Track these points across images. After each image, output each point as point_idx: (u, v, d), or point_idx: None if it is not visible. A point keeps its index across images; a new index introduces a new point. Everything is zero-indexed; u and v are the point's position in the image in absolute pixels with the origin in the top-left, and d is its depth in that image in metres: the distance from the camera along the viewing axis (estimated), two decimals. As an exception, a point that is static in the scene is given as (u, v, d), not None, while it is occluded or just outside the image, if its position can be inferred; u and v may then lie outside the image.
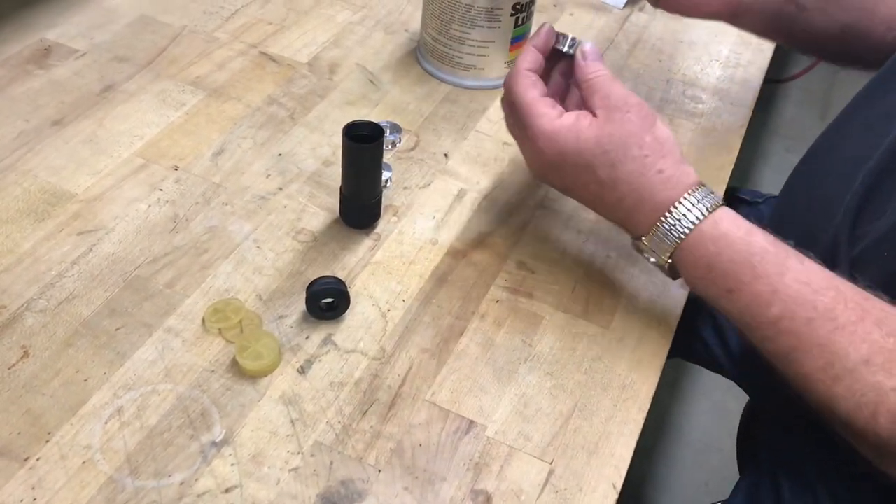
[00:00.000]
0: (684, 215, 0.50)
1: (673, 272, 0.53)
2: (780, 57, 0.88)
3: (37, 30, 0.74)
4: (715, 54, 0.84)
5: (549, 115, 0.53)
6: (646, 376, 0.54)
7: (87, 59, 0.72)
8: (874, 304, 0.48)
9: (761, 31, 0.76)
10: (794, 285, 0.48)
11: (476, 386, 0.52)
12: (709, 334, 0.89)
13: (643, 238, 0.52)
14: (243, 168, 0.64)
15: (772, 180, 2.12)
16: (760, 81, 0.82)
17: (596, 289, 0.59)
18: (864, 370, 0.45)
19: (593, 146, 0.52)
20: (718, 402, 1.55)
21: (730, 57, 0.84)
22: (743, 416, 0.93)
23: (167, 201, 0.61)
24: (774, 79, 1.61)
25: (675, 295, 0.59)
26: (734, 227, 0.50)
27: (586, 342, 0.55)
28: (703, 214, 0.50)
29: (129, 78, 0.71)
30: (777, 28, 0.75)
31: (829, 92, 2.50)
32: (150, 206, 0.60)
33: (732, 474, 0.80)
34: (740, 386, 0.89)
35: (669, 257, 0.51)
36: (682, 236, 0.50)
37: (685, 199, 0.51)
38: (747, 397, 0.88)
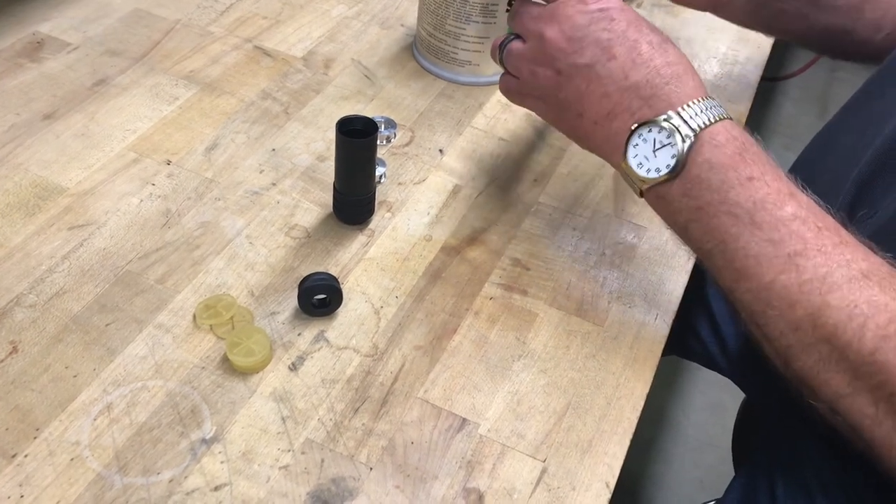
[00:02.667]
0: (721, 106, 0.50)
1: (685, 156, 0.48)
2: (779, 55, 0.88)
3: (30, 23, 0.74)
4: (713, 51, 0.84)
5: None
6: (640, 374, 0.53)
7: (79, 53, 0.72)
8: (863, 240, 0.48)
9: (746, 23, 0.75)
10: (808, 198, 0.48)
11: (469, 383, 0.51)
12: (705, 332, 0.88)
13: (677, 111, 0.49)
14: (236, 163, 0.64)
15: (769, 178, 2.12)
16: (758, 78, 0.81)
17: (590, 286, 0.59)
18: (863, 282, 0.44)
19: (639, 14, 0.52)
20: (715, 399, 1.55)
21: (727, 54, 0.84)
22: (739, 414, 0.92)
23: (159, 196, 0.60)
24: (772, 76, 1.61)
25: (672, 292, 0.59)
26: None
27: (580, 340, 0.55)
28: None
29: (121, 72, 0.70)
30: (759, 22, 0.75)
31: (828, 90, 2.50)
32: (142, 200, 0.60)
33: (728, 471, 0.80)
34: (737, 384, 0.88)
35: (701, 130, 0.48)
36: (721, 116, 0.49)
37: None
38: (743, 395, 0.88)
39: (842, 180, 0.68)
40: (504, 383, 0.52)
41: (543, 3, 0.55)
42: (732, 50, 0.84)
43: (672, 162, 0.49)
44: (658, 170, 0.49)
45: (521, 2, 0.56)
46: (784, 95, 2.43)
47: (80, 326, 0.51)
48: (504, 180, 0.66)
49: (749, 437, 0.87)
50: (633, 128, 0.50)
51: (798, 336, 0.45)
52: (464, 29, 0.71)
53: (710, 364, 0.89)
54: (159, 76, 0.70)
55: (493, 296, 0.57)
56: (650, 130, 0.49)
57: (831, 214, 0.48)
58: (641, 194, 0.52)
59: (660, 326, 0.56)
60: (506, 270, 0.59)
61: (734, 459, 0.89)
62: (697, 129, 0.48)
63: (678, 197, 0.50)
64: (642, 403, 0.52)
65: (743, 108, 0.78)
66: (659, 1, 0.90)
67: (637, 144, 0.50)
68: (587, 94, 0.52)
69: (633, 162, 0.50)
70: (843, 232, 0.47)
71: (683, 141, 0.48)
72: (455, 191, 0.65)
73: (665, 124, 0.49)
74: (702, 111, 0.49)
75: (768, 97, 2.41)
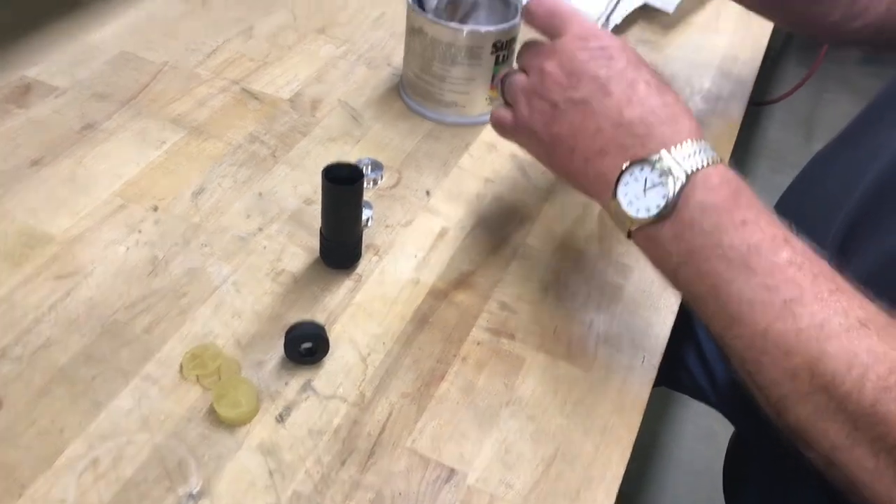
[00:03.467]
0: (713, 150, 0.50)
1: (677, 197, 0.48)
2: (765, 79, 0.89)
3: (17, 67, 0.74)
4: (696, 87, 0.85)
5: None
6: (627, 421, 0.53)
7: (67, 97, 0.72)
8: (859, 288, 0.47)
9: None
10: (802, 244, 0.47)
11: (457, 432, 0.51)
12: (694, 364, 0.89)
13: (668, 151, 0.49)
14: (223, 208, 0.64)
15: (757, 202, 2.13)
16: (741, 115, 0.82)
17: (578, 329, 0.59)
18: (861, 331, 0.43)
19: (639, 55, 0.53)
20: (706, 428, 1.55)
21: (711, 89, 0.85)
22: (729, 447, 0.92)
23: (146, 243, 0.60)
24: (759, 101, 1.62)
25: (658, 334, 0.59)
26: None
27: (568, 385, 0.55)
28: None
29: (109, 116, 0.70)
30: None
31: (813, 113, 2.52)
32: (128, 248, 0.60)
33: (720, 498, 0.80)
34: (726, 417, 0.89)
35: (698, 169, 0.48)
36: (716, 159, 0.49)
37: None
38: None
39: (832, 217, 0.68)
40: (492, 431, 0.52)
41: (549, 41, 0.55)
42: (716, 85, 0.85)
43: (662, 202, 0.48)
44: (648, 209, 0.49)
45: (527, 41, 0.56)
46: (770, 119, 2.45)
47: (67, 379, 0.51)
48: (491, 221, 0.67)
49: (739, 472, 0.87)
50: (624, 166, 0.50)
51: (794, 385, 0.45)
52: (450, 71, 0.71)
53: (700, 396, 0.89)
54: (147, 120, 0.71)
55: (480, 341, 0.57)
56: (642, 169, 0.49)
57: (825, 261, 0.47)
58: (629, 235, 0.51)
59: (647, 370, 0.57)
60: (493, 314, 0.59)
61: (725, 493, 0.89)
62: (690, 170, 0.48)
63: (669, 239, 0.49)
64: (630, 450, 0.52)
65: (727, 145, 0.78)
66: (643, 38, 0.91)
67: (628, 183, 0.50)
68: (581, 129, 0.52)
69: (623, 201, 0.50)
70: (839, 279, 0.46)
71: (675, 181, 0.48)
72: (442, 233, 0.65)
73: (657, 164, 0.48)
74: (695, 153, 0.49)
75: (754, 121, 2.43)
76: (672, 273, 0.50)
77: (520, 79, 0.56)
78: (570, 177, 0.55)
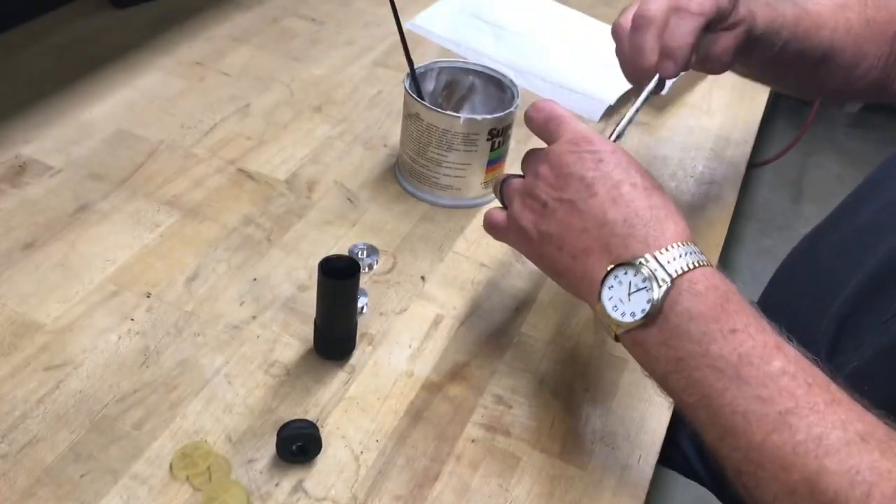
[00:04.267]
0: (702, 253, 0.49)
1: (661, 302, 0.47)
2: (755, 141, 0.90)
3: (12, 145, 0.74)
4: (690, 170, 0.85)
5: None
6: (624, 523, 0.53)
7: (61, 177, 0.72)
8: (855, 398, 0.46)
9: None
10: (796, 350, 0.46)
11: (451, 537, 0.50)
12: (686, 444, 0.88)
13: (652, 254, 0.48)
14: (217, 294, 0.63)
15: (746, 264, 2.14)
16: (735, 198, 0.82)
17: (574, 424, 0.58)
18: (862, 446, 0.42)
19: (631, 159, 0.53)
20: (697, 497, 1.53)
21: (704, 172, 0.85)
22: (723, 529, 0.91)
23: (138, 332, 0.59)
24: (749, 163, 1.65)
25: (654, 430, 0.59)
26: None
27: (564, 485, 0.54)
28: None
29: (103, 197, 0.70)
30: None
31: (802, 175, 2.55)
32: (120, 337, 0.59)
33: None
34: (718, 498, 0.88)
35: (678, 276, 0.47)
36: (706, 262, 0.48)
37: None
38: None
39: (825, 306, 0.69)
40: (486, 536, 0.51)
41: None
42: (709, 168, 0.86)
43: (647, 306, 0.48)
44: (633, 314, 0.48)
45: (531, 149, 0.57)
46: (758, 181, 2.48)
47: (53, 479, 0.50)
48: (486, 309, 0.66)
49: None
50: (608, 268, 0.50)
51: (794, 500, 0.43)
52: (446, 156, 0.72)
53: (692, 476, 0.88)
54: (141, 201, 0.70)
55: (475, 438, 0.56)
56: (626, 272, 0.49)
57: (819, 367, 0.47)
58: (616, 338, 0.51)
59: (643, 470, 0.56)
60: (488, 409, 0.58)
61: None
62: (675, 273, 0.47)
63: (656, 346, 0.48)
64: (627, 556, 0.51)
65: (722, 228, 0.79)
66: (637, 119, 0.91)
67: (612, 286, 0.49)
68: (567, 227, 0.52)
69: (607, 304, 0.49)
70: (834, 388, 0.45)
71: (659, 286, 0.47)
72: (437, 321, 0.65)
73: (641, 267, 0.48)
74: (681, 256, 0.48)
75: (743, 183, 2.46)
76: (662, 380, 0.49)
77: (516, 182, 0.57)
78: (559, 275, 0.55)
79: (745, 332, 0.46)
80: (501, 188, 0.58)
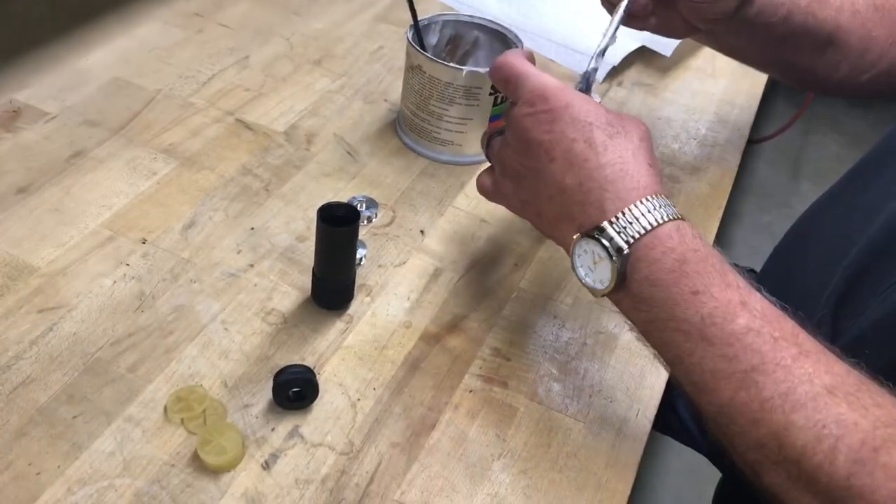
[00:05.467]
0: (667, 204, 0.48)
1: (622, 271, 0.47)
2: (754, 118, 0.89)
3: (7, 91, 0.73)
4: (693, 132, 0.84)
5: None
6: (622, 475, 0.52)
7: (56, 123, 0.70)
8: (826, 346, 0.46)
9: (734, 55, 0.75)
10: (762, 303, 0.46)
11: (447, 485, 0.50)
12: (683, 410, 0.88)
13: (610, 220, 0.47)
14: (214, 243, 0.62)
15: (745, 240, 2.14)
16: (738, 161, 0.82)
17: (572, 378, 0.58)
18: (828, 399, 0.42)
19: (596, 109, 0.50)
20: (691, 462, 1.54)
21: (707, 136, 0.84)
22: (715, 493, 0.91)
23: (133, 277, 0.59)
24: (748, 139, 1.64)
25: (653, 386, 0.58)
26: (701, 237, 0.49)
27: (561, 437, 0.54)
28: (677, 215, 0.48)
29: (99, 144, 0.69)
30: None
31: (801, 153, 2.54)
32: (115, 282, 0.58)
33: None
34: (713, 463, 0.88)
35: (636, 240, 0.47)
36: (663, 219, 0.47)
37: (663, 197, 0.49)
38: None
39: (831, 267, 0.68)
40: (483, 484, 0.50)
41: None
42: (712, 132, 0.85)
43: (610, 277, 0.48)
44: (601, 282, 0.49)
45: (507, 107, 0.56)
46: (758, 157, 2.47)
47: (46, 419, 0.49)
48: (485, 264, 0.66)
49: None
50: (574, 238, 0.49)
51: (764, 453, 0.44)
52: (447, 110, 0.71)
53: (688, 442, 0.88)
54: (138, 149, 0.69)
55: (472, 388, 0.56)
56: (587, 242, 0.49)
57: (789, 315, 0.46)
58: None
59: (641, 423, 0.56)
60: (486, 361, 0.58)
61: (712, 541, 0.88)
62: (632, 239, 0.47)
63: (629, 310, 0.49)
64: (624, 507, 0.51)
65: (723, 192, 0.78)
66: (640, 81, 0.90)
67: (580, 255, 0.50)
68: (537, 195, 0.52)
69: (580, 272, 0.50)
70: (803, 339, 0.45)
71: (618, 255, 0.47)
72: (436, 274, 0.64)
73: (600, 237, 0.48)
74: (638, 217, 0.47)
75: (743, 159, 2.45)
76: (643, 337, 0.50)
77: (495, 144, 0.56)
78: (548, 237, 0.55)
79: (706, 293, 0.46)
80: (488, 145, 0.57)
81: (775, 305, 0.47)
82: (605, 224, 0.48)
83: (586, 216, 0.49)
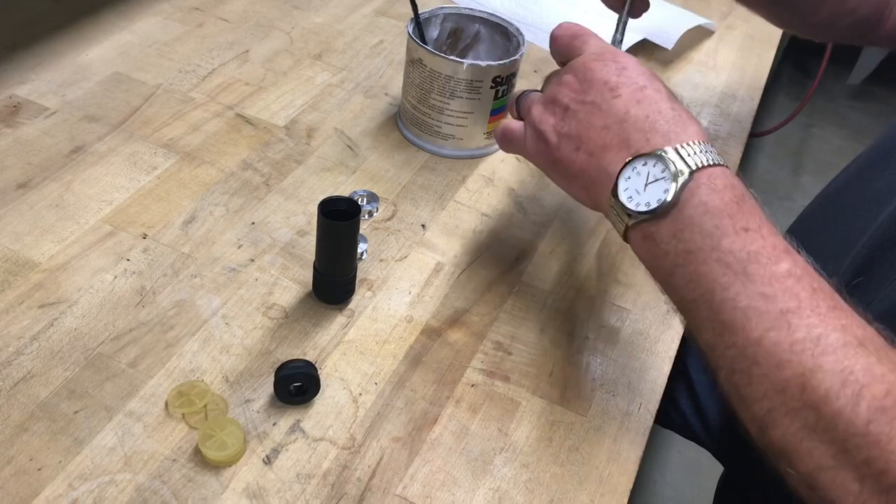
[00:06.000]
0: (721, 155, 0.49)
1: (680, 191, 0.47)
2: (756, 110, 0.89)
3: (7, 86, 0.73)
4: (694, 125, 0.84)
5: None
6: (623, 469, 0.52)
7: (57, 118, 0.70)
8: (858, 309, 0.46)
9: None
10: (803, 258, 0.46)
11: (449, 479, 0.50)
12: (685, 404, 0.88)
13: (675, 147, 0.48)
14: (214, 237, 0.62)
15: (746, 233, 2.13)
16: (740, 155, 0.81)
17: (574, 372, 0.58)
18: (859, 349, 0.42)
19: (654, 73, 0.54)
20: (692, 459, 1.54)
21: (709, 129, 0.84)
22: (718, 487, 0.91)
23: (134, 272, 0.59)
24: (749, 133, 1.64)
25: (655, 380, 0.58)
26: None
27: (563, 431, 0.54)
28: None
29: (99, 139, 0.69)
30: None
31: (803, 146, 2.54)
32: (116, 277, 0.58)
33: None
34: (716, 457, 0.88)
35: (698, 170, 0.47)
36: (721, 162, 0.48)
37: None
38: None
39: (835, 265, 0.68)
40: (485, 479, 0.50)
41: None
42: (714, 125, 0.85)
43: (664, 196, 0.47)
44: (648, 204, 0.47)
45: (553, 72, 0.58)
46: (759, 151, 2.46)
47: (47, 414, 0.49)
48: (486, 258, 0.65)
49: (729, 513, 0.86)
50: (627, 160, 0.49)
51: (783, 399, 0.43)
52: (448, 104, 0.70)
53: (690, 435, 0.88)
54: (138, 144, 0.69)
55: (474, 382, 0.56)
56: (644, 164, 0.48)
57: (826, 280, 0.46)
58: (626, 235, 0.50)
59: (643, 417, 0.55)
60: (488, 355, 0.58)
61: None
62: (695, 167, 0.47)
63: (667, 238, 0.47)
64: (626, 501, 0.50)
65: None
66: (650, 55, 0.90)
67: (629, 177, 0.49)
68: (587, 126, 0.52)
69: (623, 195, 0.49)
70: (838, 298, 0.45)
71: (678, 176, 0.47)
72: (437, 268, 0.64)
73: (661, 158, 0.47)
74: (701, 152, 0.48)
75: (745, 153, 2.45)
76: (667, 275, 0.49)
77: (534, 94, 0.57)
78: (572, 178, 0.53)
79: (757, 232, 0.46)
80: (518, 101, 0.59)
81: (814, 267, 0.46)
82: (669, 148, 0.48)
83: (647, 142, 0.49)
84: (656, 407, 0.57)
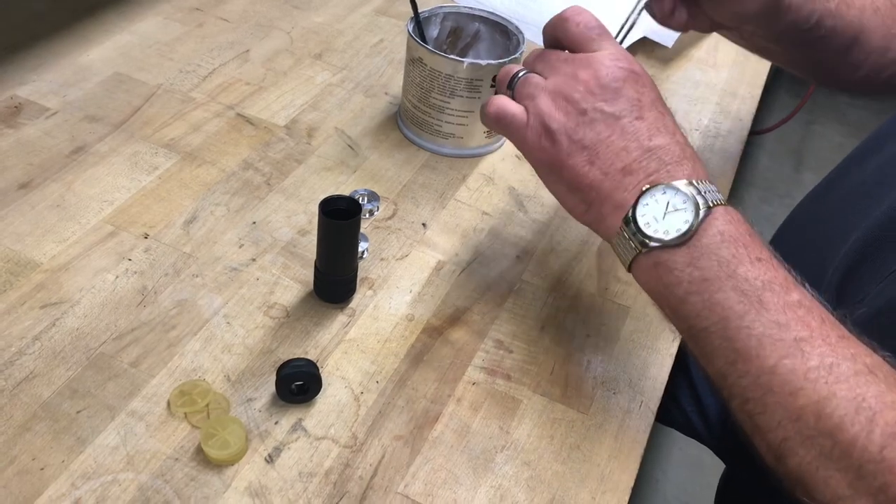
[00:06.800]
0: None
1: (700, 221, 0.47)
2: (756, 109, 0.89)
3: (8, 86, 0.73)
4: (695, 123, 0.84)
5: None
6: (625, 466, 0.52)
7: (58, 118, 0.70)
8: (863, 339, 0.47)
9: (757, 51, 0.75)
10: (808, 290, 0.47)
11: (451, 477, 0.50)
12: (686, 402, 0.88)
13: (692, 182, 0.48)
14: (215, 237, 0.62)
15: (747, 231, 2.13)
16: (740, 152, 0.82)
17: (575, 370, 0.58)
18: (870, 377, 0.43)
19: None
20: (694, 456, 1.54)
21: (709, 126, 0.84)
22: (720, 485, 0.91)
23: (135, 272, 0.59)
24: (749, 131, 1.64)
25: (656, 377, 0.58)
26: None
27: (564, 428, 0.54)
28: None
29: (100, 139, 0.69)
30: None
31: (803, 144, 2.53)
32: (117, 277, 0.58)
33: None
34: (717, 455, 0.88)
35: (718, 203, 0.48)
36: (724, 201, 0.49)
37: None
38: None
39: (827, 262, 0.68)
40: (487, 476, 0.50)
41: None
42: (714, 123, 0.85)
43: (685, 227, 0.47)
44: (667, 232, 0.48)
45: (539, 50, 0.55)
46: (760, 149, 2.46)
47: (50, 414, 0.50)
48: (487, 256, 0.66)
49: (731, 510, 0.86)
50: (645, 187, 0.49)
51: (798, 427, 0.44)
52: (448, 102, 0.70)
53: (691, 433, 0.88)
54: (139, 144, 0.69)
55: (475, 380, 0.56)
56: (664, 192, 0.48)
57: (830, 311, 0.47)
58: (633, 262, 0.50)
59: (644, 414, 0.56)
60: (489, 353, 0.58)
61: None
62: (712, 203, 0.48)
63: (682, 266, 0.48)
64: (627, 498, 0.51)
65: (726, 182, 0.78)
66: (650, 53, 0.90)
67: (648, 204, 0.48)
68: (606, 142, 0.50)
69: (641, 220, 0.48)
70: (844, 328, 0.46)
71: (700, 208, 0.47)
72: (438, 267, 0.64)
73: (685, 189, 0.48)
74: (714, 191, 0.49)
75: (745, 150, 2.44)
76: (679, 303, 0.48)
77: (537, 78, 0.53)
78: (577, 189, 0.52)
79: (769, 262, 0.47)
80: (514, 80, 0.54)
81: (819, 300, 0.48)
82: (689, 181, 0.48)
83: (668, 174, 0.49)
84: (657, 404, 0.57)
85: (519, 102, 0.54)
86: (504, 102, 0.54)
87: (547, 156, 0.52)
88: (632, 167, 0.50)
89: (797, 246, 0.78)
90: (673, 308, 0.49)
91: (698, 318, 0.48)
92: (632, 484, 0.51)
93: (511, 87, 0.55)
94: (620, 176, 0.50)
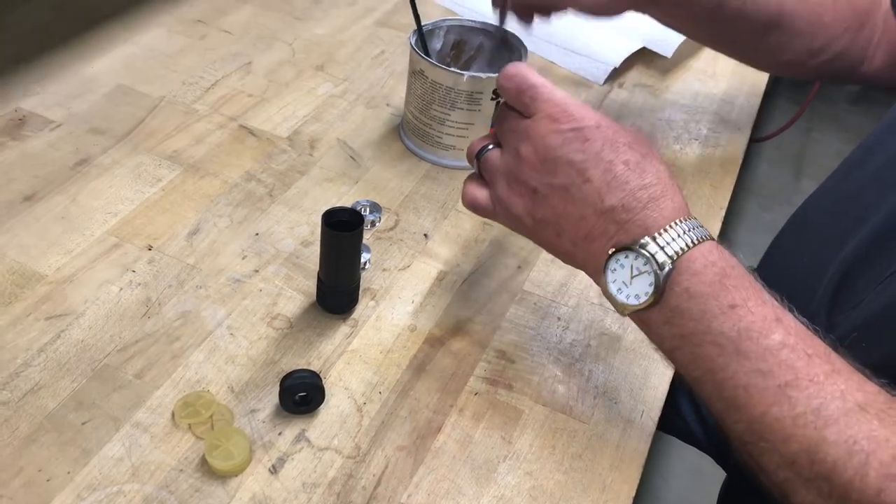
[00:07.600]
0: (700, 226, 0.48)
1: (664, 283, 0.47)
2: (755, 116, 0.89)
3: (12, 99, 0.73)
4: (694, 133, 0.85)
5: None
6: (626, 476, 0.53)
7: (62, 131, 0.71)
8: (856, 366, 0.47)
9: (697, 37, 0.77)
10: (795, 321, 0.47)
11: (454, 487, 0.50)
12: (687, 411, 0.88)
13: (653, 237, 0.47)
14: (219, 249, 0.63)
15: (746, 239, 2.14)
16: (740, 161, 0.82)
17: (576, 380, 0.58)
18: (860, 415, 0.43)
19: (621, 129, 0.50)
20: (695, 464, 1.54)
21: (709, 136, 0.85)
22: (720, 494, 0.92)
23: (139, 284, 0.59)
24: (749, 138, 1.65)
25: (657, 387, 0.59)
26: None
27: (566, 438, 0.54)
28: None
29: (104, 151, 0.70)
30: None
31: (803, 151, 2.54)
32: (121, 288, 0.59)
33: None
34: (718, 463, 0.88)
35: (682, 252, 0.47)
36: (701, 238, 0.47)
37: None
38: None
39: (824, 266, 0.68)
40: (489, 487, 0.51)
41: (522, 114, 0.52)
42: (714, 133, 0.85)
43: (650, 290, 0.47)
44: (637, 297, 0.48)
45: (505, 107, 0.53)
46: (759, 156, 2.47)
47: (55, 425, 0.50)
48: (488, 266, 0.66)
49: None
50: (609, 252, 0.49)
51: (795, 470, 0.44)
52: (449, 114, 0.71)
53: (691, 441, 0.89)
54: (143, 156, 0.70)
55: (477, 391, 0.56)
56: (626, 256, 0.48)
57: (820, 337, 0.47)
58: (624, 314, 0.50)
59: (645, 424, 0.56)
60: (491, 363, 0.58)
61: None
62: (675, 255, 0.47)
63: (660, 324, 0.48)
64: (629, 508, 0.51)
65: (725, 192, 0.78)
66: (641, 82, 0.91)
67: (615, 269, 0.49)
68: (564, 215, 0.50)
69: (612, 287, 0.49)
70: (834, 357, 0.46)
71: (661, 269, 0.47)
72: (440, 277, 0.64)
73: (642, 251, 0.47)
74: (679, 235, 0.47)
75: (745, 158, 2.45)
76: (669, 354, 0.50)
77: (494, 157, 0.53)
78: (561, 257, 0.53)
79: (744, 307, 0.46)
80: (478, 159, 0.54)
81: (807, 327, 0.47)
82: (648, 239, 0.47)
83: (626, 234, 0.48)
84: (658, 413, 0.57)
85: (487, 181, 0.54)
86: (473, 193, 0.55)
87: (524, 233, 0.54)
88: (592, 234, 0.50)
89: (794, 251, 0.78)
90: (667, 358, 0.51)
91: (688, 370, 0.48)
92: (633, 493, 0.52)
93: (478, 165, 0.55)
94: (586, 244, 0.50)
